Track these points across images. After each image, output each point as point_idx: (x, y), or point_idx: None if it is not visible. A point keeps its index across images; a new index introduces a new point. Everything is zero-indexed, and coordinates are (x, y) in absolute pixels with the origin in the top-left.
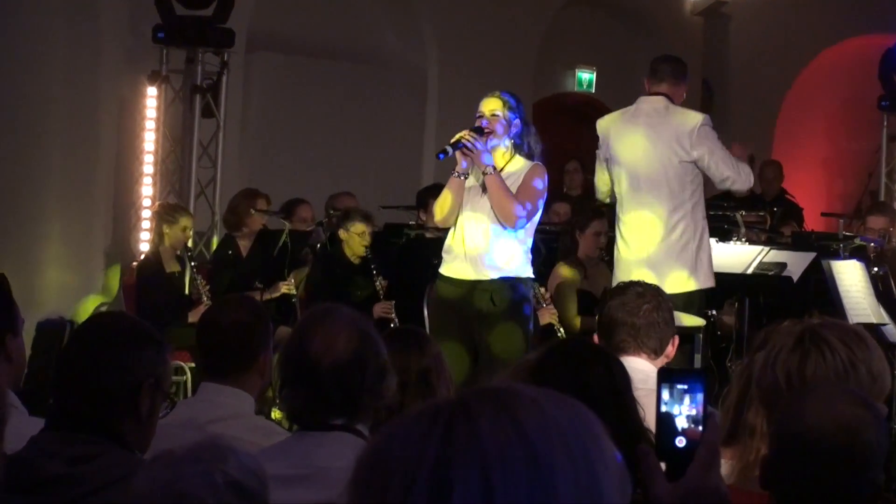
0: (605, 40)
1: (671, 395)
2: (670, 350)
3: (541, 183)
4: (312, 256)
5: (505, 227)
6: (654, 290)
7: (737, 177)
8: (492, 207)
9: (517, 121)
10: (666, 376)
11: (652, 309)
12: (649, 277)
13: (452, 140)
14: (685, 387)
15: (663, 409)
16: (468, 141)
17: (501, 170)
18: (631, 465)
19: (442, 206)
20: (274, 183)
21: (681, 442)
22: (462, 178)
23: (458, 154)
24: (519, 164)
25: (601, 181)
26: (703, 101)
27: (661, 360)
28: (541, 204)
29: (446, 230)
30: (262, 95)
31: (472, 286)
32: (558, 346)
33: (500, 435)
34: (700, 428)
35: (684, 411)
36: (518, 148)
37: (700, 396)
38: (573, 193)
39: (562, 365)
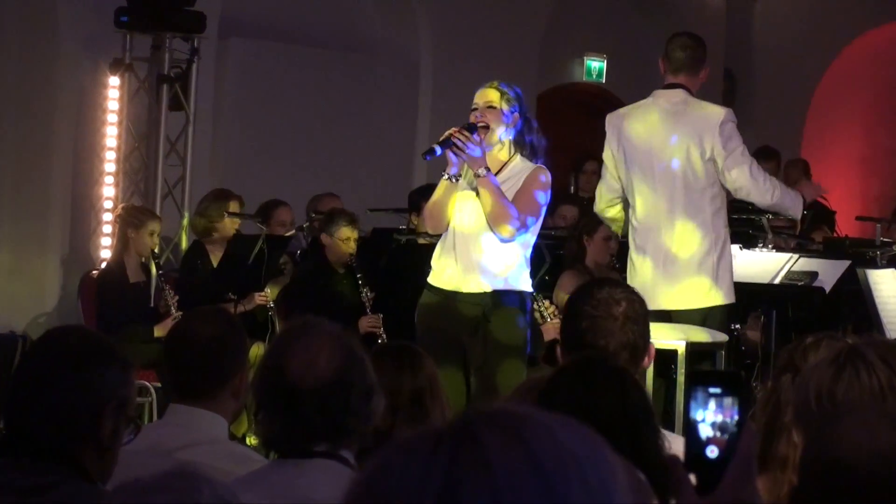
0: (618, 25)
1: (696, 399)
2: (646, 361)
3: (542, 189)
4: (292, 265)
5: (512, 241)
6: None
7: (753, 188)
8: (484, 215)
9: (517, 115)
10: (696, 379)
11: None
12: (665, 289)
13: (441, 138)
14: (718, 391)
15: (690, 415)
16: (458, 139)
17: (498, 172)
18: (658, 486)
19: (432, 212)
20: (249, 183)
21: (712, 452)
22: (453, 180)
23: (448, 154)
24: (518, 165)
25: (604, 188)
26: (724, 92)
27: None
28: (542, 213)
29: (439, 237)
30: (237, 86)
31: (463, 299)
32: (569, 365)
33: (510, 464)
34: (728, 437)
35: (709, 417)
36: (518, 146)
37: (732, 401)
38: (584, 196)
39: (571, 387)
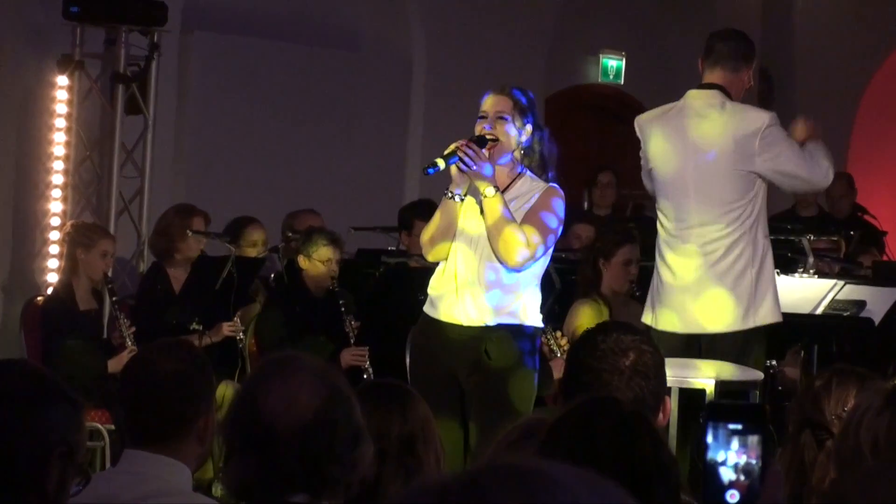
0: (638, 18)
1: (717, 436)
2: (661, 419)
3: (556, 212)
4: (265, 291)
5: (519, 270)
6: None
7: (810, 174)
8: (488, 239)
9: (530, 127)
10: (715, 414)
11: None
12: (697, 310)
13: (446, 151)
14: (738, 427)
15: (708, 455)
16: (466, 153)
17: (505, 190)
18: None
19: (432, 235)
20: (216, 197)
21: (733, 497)
22: (457, 199)
23: (452, 169)
24: (528, 183)
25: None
26: (760, 96)
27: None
28: (552, 241)
29: (430, 265)
30: (203, 86)
31: (462, 332)
32: (573, 410)
33: None
34: (751, 481)
35: (731, 458)
36: (527, 159)
37: (756, 440)
38: (600, 213)
39: (574, 434)
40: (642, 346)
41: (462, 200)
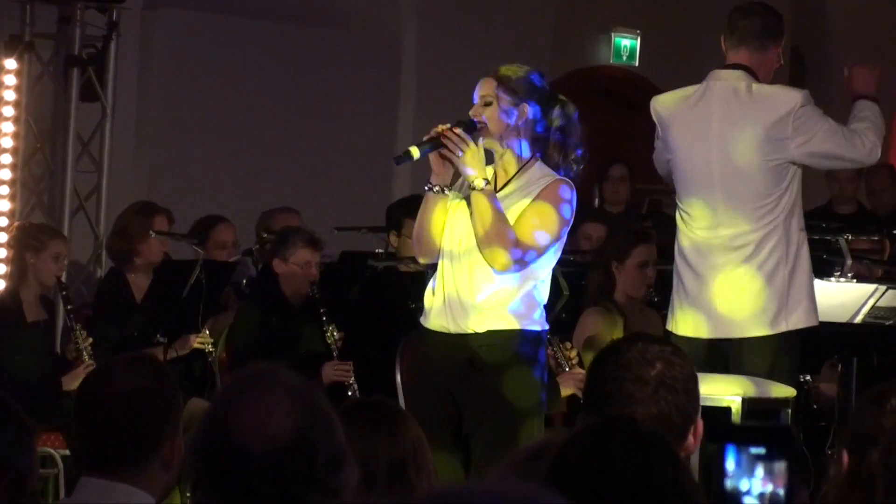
0: None
1: (739, 462)
2: (691, 442)
3: (557, 212)
4: (237, 298)
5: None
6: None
7: (851, 152)
8: (475, 237)
9: (526, 106)
10: (736, 436)
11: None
12: (724, 312)
13: (425, 137)
14: (762, 452)
15: (728, 484)
16: (448, 140)
17: (504, 186)
18: None
19: (419, 236)
20: (182, 194)
21: None
22: (439, 191)
23: (431, 158)
24: (535, 174)
25: (659, 163)
26: (791, 77)
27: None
28: (550, 243)
29: (432, 266)
30: (168, 70)
31: (452, 342)
32: (585, 430)
33: None
34: None
35: (756, 487)
36: (540, 145)
37: (782, 467)
38: (613, 210)
39: (585, 458)
40: (671, 357)
41: (445, 193)
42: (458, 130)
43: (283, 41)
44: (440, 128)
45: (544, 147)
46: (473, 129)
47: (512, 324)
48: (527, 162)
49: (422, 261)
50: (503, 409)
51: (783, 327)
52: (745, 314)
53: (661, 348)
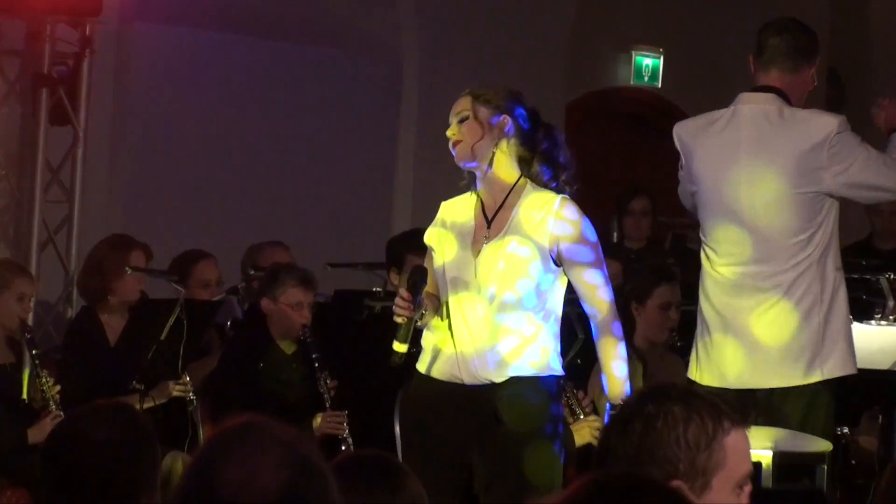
0: (679, 9)
1: None
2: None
3: (590, 245)
4: (221, 342)
5: (520, 301)
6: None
7: (894, 181)
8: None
9: (506, 118)
10: (764, 500)
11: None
12: (753, 360)
13: (402, 328)
14: None
15: None
16: (399, 312)
17: (496, 212)
18: None
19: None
20: (161, 226)
21: None
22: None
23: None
24: (530, 195)
25: (685, 196)
26: (828, 101)
27: None
28: (606, 270)
29: None
30: (146, 91)
31: (465, 393)
32: (602, 482)
33: None
34: None
35: None
36: (525, 163)
37: None
38: (632, 246)
39: None
40: (691, 415)
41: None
42: (404, 294)
43: (272, 60)
44: (403, 304)
45: (530, 168)
46: (422, 286)
47: (534, 370)
48: (515, 182)
49: None
50: (522, 469)
51: (817, 376)
52: (775, 362)
53: (683, 406)
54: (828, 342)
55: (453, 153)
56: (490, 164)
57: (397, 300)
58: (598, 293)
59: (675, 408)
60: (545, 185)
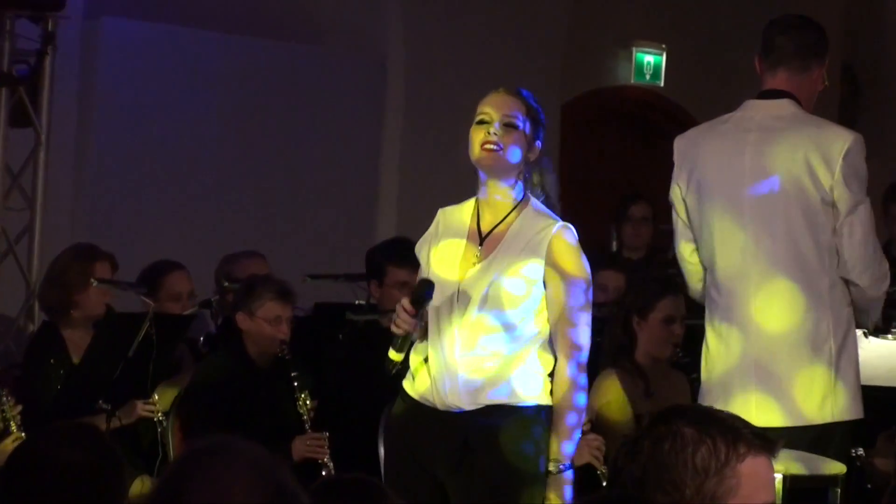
0: (683, 3)
1: None
2: None
3: (582, 278)
4: (192, 358)
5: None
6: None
7: (865, 265)
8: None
9: (539, 146)
10: None
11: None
12: (749, 399)
13: (399, 337)
14: None
15: None
16: (399, 323)
17: (495, 227)
18: None
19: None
20: (129, 235)
21: None
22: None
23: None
24: (532, 217)
25: (686, 252)
26: (843, 98)
27: None
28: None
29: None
30: (112, 91)
31: (442, 418)
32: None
33: None
34: None
35: None
36: (527, 187)
37: None
38: (633, 256)
39: None
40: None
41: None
42: (408, 308)
43: (249, 58)
44: (403, 316)
45: (532, 184)
46: (427, 299)
47: (514, 398)
48: (519, 202)
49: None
50: (511, 484)
51: (828, 416)
52: (780, 400)
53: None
54: (840, 377)
55: (484, 153)
56: (505, 184)
57: (399, 312)
58: (571, 333)
59: (687, 429)
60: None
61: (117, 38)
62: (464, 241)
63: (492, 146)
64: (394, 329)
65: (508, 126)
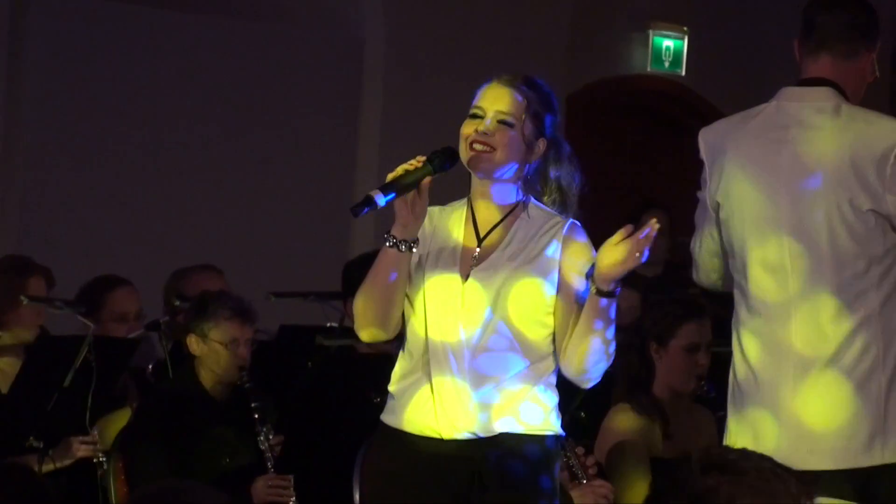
0: None
1: None
2: None
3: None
4: (138, 389)
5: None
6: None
7: None
8: (567, 354)
9: (545, 142)
10: None
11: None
12: (787, 436)
13: (392, 176)
14: None
15: None
16: (411, 177)
17: (498, 225)
18: None
19: (365, 308)
20: (65, 247)
21: None
22: (401, 247)
23: (398, 203)
24: (536, 217)
25: (708, 251)
26: (893, 91)
27: None
28: None
29: (393, 345)
30: (44, 77)
31: (445, 452)
32: None
33: None
34: None
35: None
36: (530, 186)
37: None
38: (648, 273)
39: None
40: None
41: (409, 249)
42: (429, 165)
43: (211, 40)
44: (412, 162)
45: (539, 184)
46: (454, 160)
47: (527, 426)
48: (519, 202)
49: (365, 338)
50: None
51: (878, 458)
52: (822, 438)
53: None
54: (892, 414)
55: (470, 152)
56: (497, 185)
57: (408, 162)
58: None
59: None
60: (557, 208)
61: (50, 14)
62: (460, 244)
63: (480, 146)
64: (389, 176)
65: (502, 123)
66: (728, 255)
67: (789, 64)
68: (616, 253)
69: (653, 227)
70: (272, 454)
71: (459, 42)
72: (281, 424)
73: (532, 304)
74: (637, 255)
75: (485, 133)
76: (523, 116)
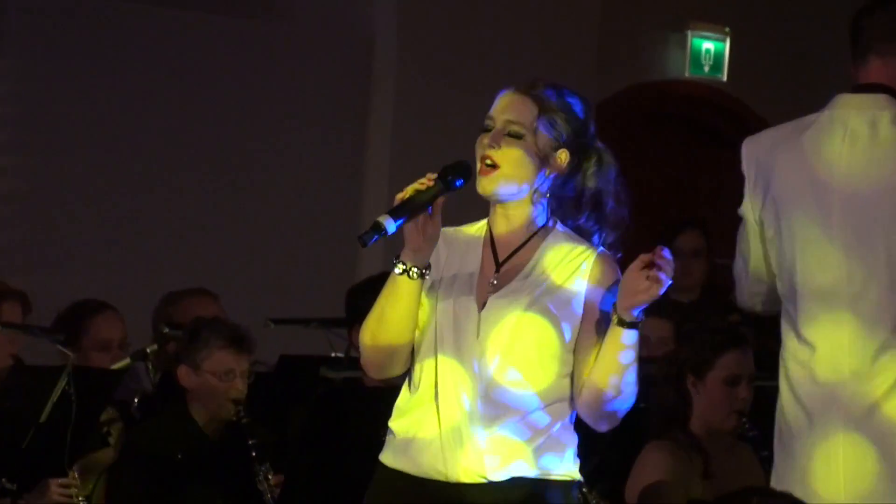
0: None
1: None
2: None
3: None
4: (123, 425)
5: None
6: None
7: None
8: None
9: (566, 154)
10: None
11: None
12: (835, 467)
13: (401, 197)
14: None
15: None
16: (422, 198)
17: (517, 250)
18: None
19: (371, 341)
20: (43, 268)
21: None
22: (413, 274)
23: (408, 227)
24: (562, 244)
25: (756, 265)
26: None
27: None
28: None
29: (397, 380)
30: (20, 78)
31: (455, 495)
32: None
33: None
34: None
35: None
36: (562, 213)
37: None
38: (683, 299)
39: None
40: None
41: (423, 276)
42: (440, 183)
43: (205, 37)
44: (423, 181)
45: (568, 206)
46: (468, 177)
47: (543, 471)
48: (539, 229)
49: (372, 373)
50: None
51: None
52: (872, 470)
53: None
54: None
55: (479, 174)
56: (517, 204)
57: (419, 181)
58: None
59: None
60: (585, 235)
61: (26, 9)
62: (476, 272)
63: (485, 160)
64: (398, 197)
65: (510, 135)
66: (775, 278)
67: (842, 68)
68: (638, 280)
69: (658, 253)
70: (271, 496)
71: (477, 43)
72: (280, 463)
73: (552, 338)
74: (658, 282)
75: (491, 146)
76: (535, 125)
